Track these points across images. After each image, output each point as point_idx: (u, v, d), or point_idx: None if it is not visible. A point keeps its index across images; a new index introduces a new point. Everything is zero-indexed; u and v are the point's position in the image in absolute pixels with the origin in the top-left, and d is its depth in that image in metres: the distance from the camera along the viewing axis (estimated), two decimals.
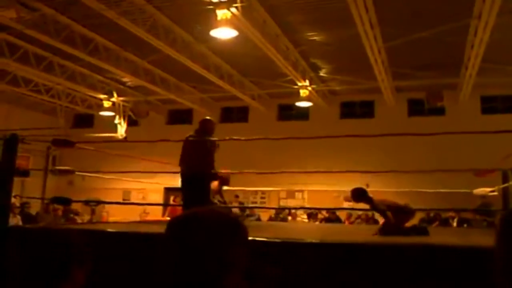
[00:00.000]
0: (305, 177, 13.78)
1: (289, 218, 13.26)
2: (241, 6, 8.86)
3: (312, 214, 13.43)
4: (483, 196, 8.53)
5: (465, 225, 10.37)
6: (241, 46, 11.06)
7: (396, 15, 9.71)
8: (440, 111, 14.54)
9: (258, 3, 9.46)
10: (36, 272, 1.45)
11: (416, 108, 15.21)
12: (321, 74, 14.12)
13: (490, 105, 14.74)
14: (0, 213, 4.15)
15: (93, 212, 13.34)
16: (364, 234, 5.41)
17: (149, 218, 12.85)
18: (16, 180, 4.34)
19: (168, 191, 15.79)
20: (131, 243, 3.76)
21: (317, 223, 12.67)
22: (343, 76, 13.96)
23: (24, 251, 1.49)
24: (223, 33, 9.32)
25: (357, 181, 7.78)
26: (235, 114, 17.40)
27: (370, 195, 4.93)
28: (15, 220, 9.67)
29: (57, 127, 14.99)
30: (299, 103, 14.46)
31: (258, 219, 12.61)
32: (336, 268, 3.12)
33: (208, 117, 6.59)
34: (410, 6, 9.40)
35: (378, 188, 5.30)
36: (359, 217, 12.84)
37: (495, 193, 7.71)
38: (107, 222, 11.75)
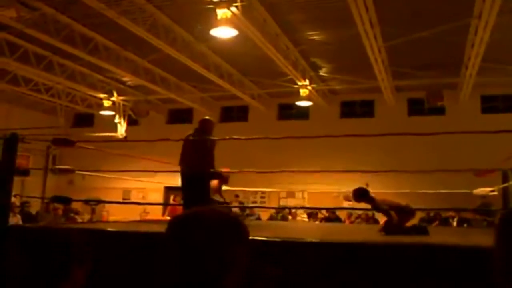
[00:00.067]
0: (305, 177, 13.79)
1: (289, 217, 13.27)
2: (241, 5, 8.86)
3: (312, 213, 13.43)
4: (483, 196, 8.54)
5: (465, 225, 10.38)
6: (241, 46, 11.05)
7: (396, 14, 9.70)
8: (440, 111, 14.54)
9: (258, 3, 9.46)
10: (36, 272, 1.45)
11: (416, 107, 15.21)
12: (321, 73, 14.12)
13: (490, 104, 14.73)
14: (0, 212, 4.15)
15: (93, 211, 13.34)
16: (364, 233, 5.41)
17: (149, 217, 12.85)
18: (16, 179, 4.34)
19: (168, 190, 15.79)
20: (131, 242, 3.76)
21: (317, 222, 12.67)
22: (343, 76, 13.96)
23: (24, 250, 1.48)
24: (223, 33, 9.32)
25: (357, 181, 7.78)
26: (235, 113, 17.40)
27: (372, 195, 4.92)
28: (15, 219, 9.67)
29: (57, 127, 15.00)
30: (299, 102, 14.46)
31: (258, 218, 12.61)
32: (336, 268, 3.12)
33: (207, 117, 6.61)
34: (410, 5, 9.39)
35: (378, 188, 5.29)
36: (359, 216, 12.84)
37: (495, 193, 7.71)
38: (107, 222, 11.76)
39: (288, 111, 16.67)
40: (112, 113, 16.03)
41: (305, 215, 13.47)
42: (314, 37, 11.38)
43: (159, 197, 16.39)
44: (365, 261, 3.11)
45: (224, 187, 7.96)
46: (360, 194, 4.94)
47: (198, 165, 5.90)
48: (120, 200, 15.51)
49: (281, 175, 12.27)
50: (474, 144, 12.37)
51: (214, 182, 6.94)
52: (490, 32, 9.33)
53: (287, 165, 11.24)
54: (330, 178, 13.23)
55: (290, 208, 13.80)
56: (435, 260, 2.97)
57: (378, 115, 15.71)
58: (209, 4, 8.93)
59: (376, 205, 4.92)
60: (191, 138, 6.25)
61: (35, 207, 12.77)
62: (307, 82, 13.63)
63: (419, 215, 10.28)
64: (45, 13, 10.06)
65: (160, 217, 11.82)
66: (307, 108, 15.41)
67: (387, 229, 4.66)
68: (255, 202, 15.54)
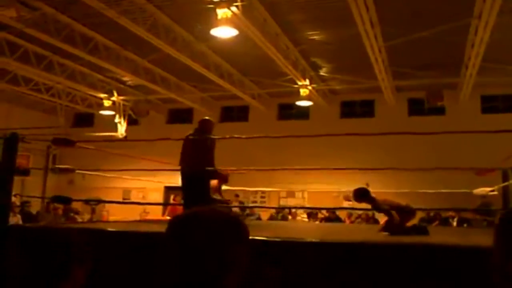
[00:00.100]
0: (305, 176, 13.79)
1: (289, 217, 13.27)
2: (242, 5, 8.86)
3: (311, 213, 13.44)
4: (483, 196, 8.53)
5: (465, 225, 10.38)
6: (241, 45, 11.06)
7: (396, 14, 9.70)
8: (440, 111, 14.53)
9: (259, 2, 9.46)
10: (36, 271, 1.45)
11: (416, 107, 15.21)
12: (321, 73, 14.12)
13: (490, 104, 14.73)
14: (0, 212, 4.15)
15: (93, 211, 13.34)
16: (364, 233, 5.41)
17: (149, 217, 12.85)
18: (16, 179, 4.34)
19: (168, 190, 15.79)
20: (131, 242, 3.76)
21: (317, 222, 12.67)
22: (343, 75, 13.96)
23: (24, 250, 1.49)
24: (224, 32, 9.32)
25: (357, 181, 7.79)
26: (235, 113, 17.40)
27: (373, 195, 4.92)
28: (15, 219, 9.68)
29: (57, 126, 15.00)
30: (299, 102, 14.46)
31: (259, 218, 12.62)
32: (336, 268, 3.12)
33: (207, 117, 6.62)
34: (410, 5, 9.39)
35: (378, 188, 5.29)
36: (359, 216, 12.84)
37: (495, 193, 7.71)
38: (107, 221, 11.76)
39: (288, 111, 16.66)
40: (112, 113, 16.03)
41: (305, 215, 13.47)
42: (314, 37, 11.38)
43: (159, 197, 16.40)
44: (365, 261, 3.11)
45: (224, 187, 7.96)
46: (361, 194, 4.93)
47: (198, 165, 5.90)
48: (120, 200, 15.52)
49: (281, 175, 12.26)
50: (474, 144, 12.37)
51: (213, 182, 6.94)
52: (490, 32, 9.33)
53: (287, 165, 11.24)
54: (330, 178, 13.22)
55: (290, 208, 13.80)
56: (435, 260, 2.97)
57: (378, 115, 15.71)
58: (209, 4, 8.94)
59: (377, 205, 4.92)
60: (191, 137, 6.26)
61: (35, 207, 12.77)
62: (307, 82, 13.63)
63: (419, 215, 10.27)
64: (45, 12, 10.06)
65: (160, 217, 11.83)
66: (307, 108, 15.41)
67: (388, 229, 4.65)
68: (255, 201, 15.54)
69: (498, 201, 7.82)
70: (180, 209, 8.39)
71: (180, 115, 17.71)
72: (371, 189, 5.05)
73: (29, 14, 9.85)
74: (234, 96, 15.23)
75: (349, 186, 5.15)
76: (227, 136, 6.26)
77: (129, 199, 16.63)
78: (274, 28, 10.59)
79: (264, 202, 15.64)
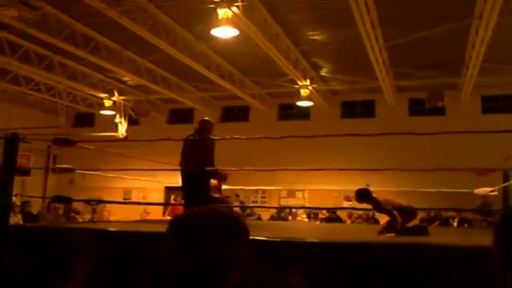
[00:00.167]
0: (305, 176, 13.78)
1: (290, 217, 13.27)
2: (242, 5, 8.86)
3: (311, 214, 13.45)
4: (484, 196, 8.53)
5: (465, 225, 10.37)
6: (242, 45, 11.06)
7: (397, 14, 9.70)
8: (441, 111, 14.53)
9: (259, 2, 9.46)
10: (37, 271, 1.45)
11: (417, 107, 15.21)
12: (322, 73, 14.12)
13: (491, 105, 14.73)
14: (1, 212, 4.15)
15: (94, 211, 13.32)
16: (365, 233, 5.41)
17: (150, 217, 12.86)
18: (17, 179, 4.33)
19: (169, 190, 15.79)
20: (132, 242, 3.76)
21: (317, 222, 12.67)
22: (344, 76, 13.96)
23: (24, 250, 1.49)
24: (224, 32, 9.32)
25: (358, 181, 7.78)
26: (236, 113, 17.41)
27: (374, 195, 4.91)
28: (15, 219, 9.69)
29: (58, 126, 15.01)
30: (300, 102, 14.46)
31: (259, 218, 12.61)
32: (337, 268, 3.12)
33: (207, 118, 6.64)
34: (411, 5, 9.39)
35: (378, 188, 5.29)
36: (359, 216, 12.84)
37: (495, 193, 7.71)
38: (108, 221, 11.76)
39: (289, 111, 16.66)
40: (113, 113, 16.03)
41: (305, 215, 13.48)
42: (315, 37, 11.38)
43: (159, 197, 16.39)
44: (365, 261, 3.11)
45: (224, 186, 7.97)
46: (363, 195, 4.93)
47: (198, 165, 5.92)
48: (121, 200, 15.52)
49: (282, 175, 12.26)
50: (475, 144, 12.37)
51: (214, 181, 6.96)
52: (491, 32, 9.32)
53: (288, 165, 11.21)
54: (331, 177, 13.21)
55: (290, 208, 13.79)
56: (435, 261, 2.97)
57: (379, 115, 15.71)
58: (210, 4, 8.94)
59: (379, 206, 4.91)
60: (191, 138, 6.28)
61: (35, 207, 12.77)
62: (308, 82, 13.63)
63: (419, 215, 10.28)
64: (46, 12, 10.07)
65: (160, 217, 11.83)
66: (308, 108, 15.40)
67: (389, 229, 4.65)
68: (256, 201, 15.54)
69: (498, 201, 7.81)
70: (180, 209, 8.40)
71: (180, 115, 17.71)
72: (372, 189, 5.05)
73: (30, 14, 9.85)
74: (235, 96, 15.23)
75: (350, 186, 5.16)
76: (227, 137, 6.26)
77: (129, 199, 16.63)
78: (274, 28, 10.59)
79: (265, 202, 15.65)
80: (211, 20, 9.07)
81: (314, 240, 3.46)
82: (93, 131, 16.56)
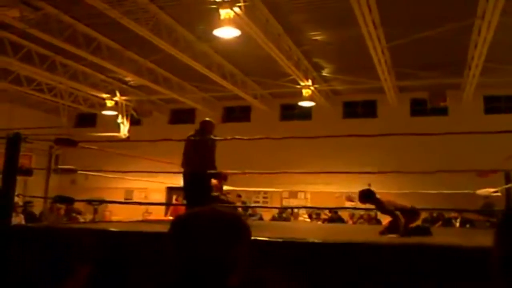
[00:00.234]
0: (307, 177, 13.78)
1: (292, 218, 13.27)
2: (244, 6, 8.85)
3: (312, 215, 13.46)
4: (486, 197, 8.52)
5: (467, 226, 10.35)
6: (243, 46, 11.06)
7: (399, 15, 9.69)
8: (443, 111, 14.51)
9: (261, 3, 9.46)
10: (39, 271, 1.45)
11: (419, 108, 15.19)
12: (324, 73, 14.11)
13: (493, 105, 14.72)
14: (3, 212, 4.15)
15: (95, 211, 13.36)
16: (367, 234, 5.39)
17: (151, 217, 12.86)
18: (19, 179, 4.34)
19: (171, 190, 15.79)
20: (134, 242, 3.76)
21: (319, 223, 12.66)
22: (345, 76, 13.95)
23: (26, 249, 1.49)
24: (226, 33, 9.32)
25: (359, 181, 7.76)
26: (238, 113, 17.42)
27: (378, 196, 4.89)
28: (18, 219, 9.70)
29: (60, 126, 15.02)
30: (301, 102, 14.46)
31: (261, 218, 12.61)
32: (338, 268, 3.11)
33: (208, 118, 6.64)
34: (413, 6, 9.38)
35: (380, 189, 5.28)
36: (361, 217, 12.83)
37: (498, 194, 7.69)
38: (110, 222, 11.77)
39: (291, 112, 16.66)
40: (114, 113, 16.05)
41: (306, 216, 13.48)
42: (317, 38, 11.38)
43: (161, 197, 16.40)
44: (367, 261, 3.10)
45: (226, 187, 7.96)
46: (366, 196, 4.91)
47: (199, 165, 5.92)
48: (123, 200, 15.53)
49: (284, 176, 12.24)
50: (477, 144, 12.35)
51: (214, 181, 6.96)
52: (493, 32, 9.30)
53: (290, 166, 11.27)
54: (332, 178, 13.21)
55: (292, 208, 13.79)
56: (437, 261, 2.96)
57: (380, 116, 15.70)
58: (212, 4, 8.94)
59: (382, 207, 4.89)
60: (192, 138, 6.29)
61: (37, 207, 12.79)
62: (309, 82, 13.62)
63: (422, 215, 10.26)
64: (48, 13, 10.08)
65: (162, 217, 11.83)
66: (309, 108, 15.40)
67: (392, 230, 4.63)
68: (258, 202, 15.54)
69: (501, 202, 7.79)
70: (182, 210, 8.39)
71: (182, 115, 17.72)
72: (374, 190, 5.04)
73: (32, 14, 9.86)
74: (236, 96, 15.24)
75: (352, 186, 5.15)
76: (229, 138, 6.27)
77: (131, 199, 16.65)
78: (276, 28, 10.59)
79: (267, 202, 15.65)
80: (213, 20, 9.07)
81: (316, 241, 3.45)
82: (95, 131, 16.59)
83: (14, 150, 4.30)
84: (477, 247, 3.05)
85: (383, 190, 5.86)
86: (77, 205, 13.09)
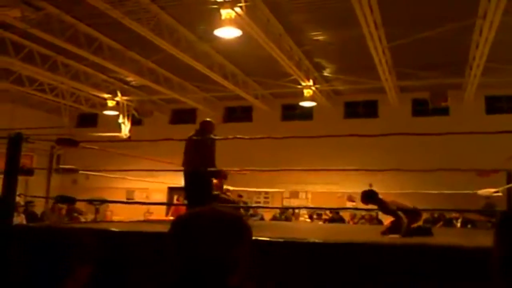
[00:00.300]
0: (308, 177, 13.78)
1: (293, 218, 13.28)
2: (245, 6, 8.86)
3: (313, 215, 13.45)
4: (487, 197, 8.50)
5: (469, 226, 10.34)
6: (245, 46, 11.06)
7: (400, 15, 9.68)
8: (444, 111, 14.50)
9: (262, 3, 9.46)
10: (40, 270, 1.45)
11: (420, 108, 15.18)
12: (325, 73, 14.11)
13: (494, 105, 14.71)
14: (5, 211, 4.16)
15: (97, 211, 13.36)
16: (368, 234, 5.39)
17: (152, 217, 12.86)
18: (20, 179, 4.34)
19: (172, 190, 15.81)
20: (135, 242, 3.76)
21: (320, 223, 12.66)
22: (347, 76, 13.94)
23: (28, 249, 1.49)
24: (227, 33, 9.32)
25: (360, 182, 7.78)
26: (239, 113, 17.42)
27: (380, 196, 4.89)
28: (19, 219, 9.71)
29: (61, 126, 15.04)
30: (303, 103, 14.46)
31: (262, 218, 12.62)
32: (339, 268, 3.11)
33: (208, 119, 6.67)
34: (414, 6, 9.37)
35: (381, 189, 5.29)
36: (362, 217, 12.82)
37: (499, 194, 7.67)
38: (111, 221, 11.78)
39: (292, 112, 16.66)
40: (116, 113, 16.07)
41: (307, 216, 13.48)
42: (318, 38, 11.37)
43: (162, 197, 16.41)
44: (368, 261, 3.10)
45: (227, 187, 7.96)
46: (369, 196, 4.90)
47: (199, 165, 5.94)
48: (124, 200, 15.54)
49: (285, 176, 12.26)
50: (478, 144, 12.34)
51: (214, 180, 6.97)
52: (495, 32, 9.29)
53: (291, 166, 11.19)
54: (333, 178, 13.21)
55: (293, 209, 13.79)
56: (437, 261, 2.96)
57: (382, 116, 15.69)
58: (213, 4, 8.94)
59: (385, 207, 4.88)
60: (194, 138, 6.30)
61: (39, 207, 12.81)
62: (311, 82, 13.62)
63: (423, 216, 10.25)
64: (49, 13, 10.09)
65: (163, 217, 11.83)
66: (311, 108, 15.40)
67: (393, 230, 4.62)
68: (259, 202, 15.54)
69: (502, 202, 7.78)
70: (183, 209, 8.40)
71: (183, 116, 17.72)
72: (375, 190, 5.04)
73: (33, 14, 9.87)
74: (238, 96, 15.24)
75: (353, 186, 5.15)
76: (230, 137, 6.27)
77: (132, 199, 16.66)
78: (277, 28, 10.58)
79: (268, 202, 15.65)
80: (214, 20, 9.07)
81: (317, 241, 3.45)
82: (96, 131, 16.60)
83: (15, 150, 4.30)
84: (478, 247, 3.04)
85: (385, 190, 5.86)
86: (79, 205, 13.09)
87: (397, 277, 3.00)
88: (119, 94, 15.76)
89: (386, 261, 3.07)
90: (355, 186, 10.19)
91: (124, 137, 15.66)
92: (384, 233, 4.70)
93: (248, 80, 14.75)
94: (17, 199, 5.72)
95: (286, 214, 13.30)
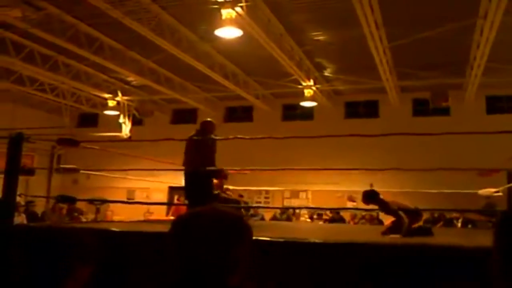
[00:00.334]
0: (309, 177, 13.78)
1: (293, 218, 13.28)
2: (246, 6, 8.86)
3: (314, 215, 13.44)
4: (488, 197, 8.49)
5: (469, 226, 10.33)
6: (245, 46, 11.06)
7: (401, 15, 9.67)
8: (445, 111, 14.49)
9: (263, 3, 9.46)
10: (41, 270, 1.45)
11: (420, 108, 15.17)
12: (326, 73, 14.10)
13: (495, 105, 14.70)
14: (5, 211, 4.17)
15: (97, 211, 13.36)
16: (368, 234, 5.39)
17: (153, 217, 12.86)
18: (21, 179, 4.35)
19: (172, 190, 15.81)
20: (135, 242, 3.76)
21: (320, 223, 12.66)
22: (347, 76, 13.94)
23: (28, 249, 1.49)
24: (228, 33, 9.32)
25: (361, 181, 7.77)
26: (240, 113, 17.42)
27: (381, 196, 4.88)
28: (20, 219, 9.72)
29: (62, 126, 15.05)
30: (303, 103, 14.45)
31: (262, 218, 12.62)
32: (339, 268, 3.11)
33: (209, 119, 6.68)
34: (415, 5, 9.37)
35: (381, 188, 5.28)
36: (363, 217, 12.82)
37: (500, 194, 7.67)
38: (111, 221, 11.78)
39: (293, 112, 16.66)
40: (116, 113, 16.07)
41: (307, 216, 13.48)
42: (319, 38, 11.37)
43: (163, 197, 16.42)
44: (368, 261, 3.10)
45: (228, 187, 7.96)
46: (370, 197, 4.90)
47: (200, 165, 5.94)
48: (124, 199, 15.54)
49: (285, 175, 12.25)
50: (479, 144, 12.33)
51: (215, 180, 6.97)
52: (495, 32, 9.29)
53: (291, 165, 11.21)
54: (334, 178, 13.20)
55: (294, 208, 13.78)
56: (437, 261, 2.96)
57: (382, 116, 15.68)
58: (214, 4, 8.95)
59: (386, 207, 4.87)
60: (194, 138, 6.31)
61: (40, 207, 12.82)
62: (311, 82, 13.62)
63: (423, 216, 10.23)
64: (50, 13, 10.09)
65: (164, 217, 11.83)
66: (311, 108, 15.39)
67: (394, 230, 4.62)
68: (259, 202, 15.54)
69: (503, 202, 7.78)
70: (184, 209, 8.40)
71: (184, 115, 17.72)
72: (376, 190, 5.03)
73: (34, 14, 9.88)
74: (239, 96, 15.24)
75: (353, 186, 5.15)
76: (231, 137, 6.27)
77: (133, 199, 16.66)
78: (278, 28, 10.58)
79: (268, 202, 15.65)
80: (215, 20, 9.07)
81: (317, 241, 3.46)
82: (97, 131, 16.61)
83: (16, 150, 4.31)
84: (478, 247, 3.04)
85: (385, 189, 5.86)
86: (79, 205, 13.10)
87: (398, 277, 3.00)
88: (119, 94, 15.76)
89: (387, 261, 3.07)
90: (356, 185, 10.20)
91: (125, 137, 15.67)
92: (385, 233, 4.70)
93: (249, 80, 14.75)
94: (18, 199, 5.72)
95: (286, 213, 13.30)
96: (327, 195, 14.01)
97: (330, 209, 12.86)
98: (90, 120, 18.79)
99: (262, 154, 13.69)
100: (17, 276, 1.46)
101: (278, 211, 13.58)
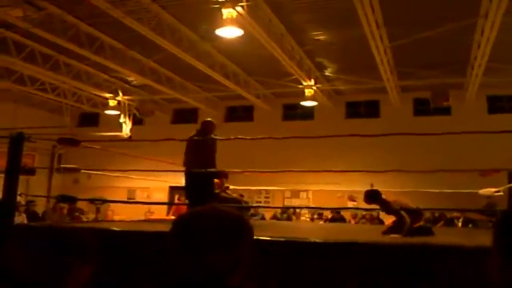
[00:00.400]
0: (309, 177, 13.77)
1: (294, 217, 13.28)
2: (247, 5, 8.86)
3: (314, 215, 13.44)
4: (489, 197, 8.49)
5: (470, 226, 10.33)
6: (246, 45, 11.06)
7: (402, 14, 9.67)
8: (446, 111, 14.49)
9: (264, 2, 9.46)
10: (41, 270, 1.45)
11: (421, 107, 15.17)
12: (326, 73, 14.10)
13: (496, 104, 14.70)
14: (6, 211, 4.17)
15: (98, 210, 13.38)
16: (369, 234, 5.39)
17: (154, 217, 12.87)
18: (22, 178, 4.35)
19: (173, 190, 15.82)
20: (136, 242, 3.76)
21: (321, 222, 12.66)
22: (348, 76, 13.94)
23: (29, 249, 1.49)
24: (229, 32, 9.32)
25: (361, 181, 7.77)
26: (240, 113, 17.42)
27: (383, 196, 4.87)
28: (20, 218, 9.72)
29: (63, 126, 15.07)
30: (304, 102, 14.45)
31: (263, 218, 12.62)
32: (339, 268, 3.11)
33: (209, 119, 6.68)
34: (416, 5, 9.36)
35: (382, 189, 5.28)
36: (363, 217, 12.82)
37: (501, 193, 7.67)
38: (112, 221, 11.79)
39: (293, 111, 16.66)
40: (117, 112, 16.08)
41: (308, 216, 13.48)
42: (320, 37, 11.37)
43: (163, 197, 16.43)
44: (368, 261, 3.10)
45: (229, 186, 7.96)
46: (372, 196, 4.89)
47: (200, 165, 5.95)
48: (125, 199, 15.55)
49: (285, 175, 12.23)
50: (480, 144, 12.32)
51: (215, 180, 6.97)
52: (496, 32, 9.28)
53: (292, 165, 11.20)
54: (334, 178, 13.19)
55: (295, 208, 13.78)
56: (437, 261, 2.96)
57: (383, 116, 15.68)
58: (215, 4, 8.94)
59: (388, 207, 4.86)
60: (195, 138, 6.32)
61: (40, 206, 12.83)
62: (312, 82, 13.62)
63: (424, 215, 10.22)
64: (51, 12, 10.10)
65: (164, 217, 11.84)
66: (312, 108, 15.39)
67: (395, 230, 4.62)
68: (260, 202, 15.54)
69: (503, 202, 7.78)
70: (184, 209, 8.40)
71: (185, 115, 17.73)
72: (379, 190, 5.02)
73: (35, 14, 9.89)
74: (239, 96, 15.24)
75: (354, 186, 5.14)
76: (232, 137, 6.28)
77: (133, 198, 16.66)
78: (279, 28, 10.58)
79: (268, 202, 15.65)
80: (216, 20, 9.07)
81: (318, 240, 3.46)
82: (97, 131, 16.62)
83: (17, 150, 4.31)
84: (479, 247, 3.04)
85: (386, 189, 5.86)
86: (80, 204, 13.12)
87: (398, 277, 3.00)
88: (120, 93, 15.77)
89: (387, 261, 3.07)
90: (356, 185, 10.18)
91: (126, 136, 15.68)
92: (385, 232, 4.69)
93: (250, 80, 14.75)
94: (18, 198, 5.72)
95: (287, 213, 13.31)
96: (327, 195, 14.00)
97: (331, 209, 12.86)
98: (91, 119, 18.80)
99: (263, 153, 13.69)
100: (18, 276, 1.46)
101: (279, 210, 13.58)
